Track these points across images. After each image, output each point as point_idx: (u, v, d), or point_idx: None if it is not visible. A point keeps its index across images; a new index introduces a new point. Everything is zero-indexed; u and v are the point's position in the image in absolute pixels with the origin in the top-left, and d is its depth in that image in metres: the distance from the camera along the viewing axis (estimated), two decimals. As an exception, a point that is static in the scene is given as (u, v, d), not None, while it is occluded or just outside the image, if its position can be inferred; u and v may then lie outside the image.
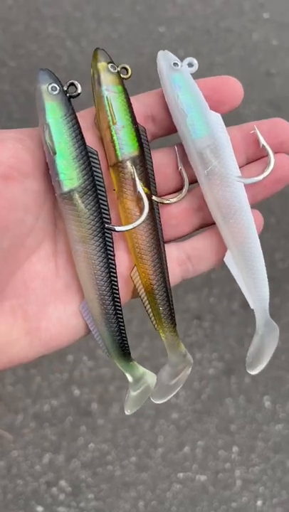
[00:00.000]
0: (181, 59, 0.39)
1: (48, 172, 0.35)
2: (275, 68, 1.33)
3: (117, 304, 0.37)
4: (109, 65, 0.37)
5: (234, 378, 0.99)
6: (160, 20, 1.36)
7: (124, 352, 0.38)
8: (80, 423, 0.96)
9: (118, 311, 0.37)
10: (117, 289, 0.37)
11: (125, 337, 0.38)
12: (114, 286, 0.37)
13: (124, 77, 0.38)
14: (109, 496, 0.92)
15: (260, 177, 0.39)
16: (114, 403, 0.97)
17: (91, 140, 0.37)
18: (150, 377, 0.40)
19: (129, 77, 0.39)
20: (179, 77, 0.38)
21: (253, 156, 0.41)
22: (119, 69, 0.38)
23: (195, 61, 0.40)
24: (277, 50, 1.35)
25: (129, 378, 0.40)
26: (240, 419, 0.97)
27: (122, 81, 0.38)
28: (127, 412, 0.40)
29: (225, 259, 0.40)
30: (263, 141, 0.39)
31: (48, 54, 1.30)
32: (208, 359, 1.01)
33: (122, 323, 0.38)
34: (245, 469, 0.94)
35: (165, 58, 0.39)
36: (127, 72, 0.38)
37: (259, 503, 0.92)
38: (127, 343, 0.38)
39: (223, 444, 0.95)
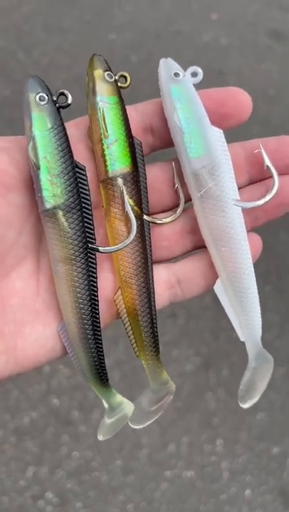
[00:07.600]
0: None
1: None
2: (227, 67, 1.36)
3: (96, 328, 0.36)
4: (106, 73, 0.35)
5: (212, 372, 1.00)
6: (110, 28, 1.38)
7: (101, 378, 0.37)
8: (61, 432, 0.95)
9: (97, 336, 0.36)
10: (98, 313, 0.36)
11: (103, 362, 0.37)
12: (94, 310, 0.35)
13: (123, 85, 0.36)
14: (98, 502, 0.91)
15: (261, 201, 0.35)
16: (95, 409, 0.96)
17: (83, 152, 0.35)
18: (127, 406, 0.38)
19: (128, 85, 0.36)
20: (178, 89, 0.35)
21: (257, 176, 0.37)
22: (116, 77, 0.35)
23: (199, 70, 0.36)
24: (227, 50, 1.39)
25: (105, 405, 0.38)
26: (222, 411, 0.98)
27: (118, 91, 0.35)
28: (100, 438, 0.39)
29: (215, 288, 0.37)
30: (267, 162, 0.35)
31: (1, 67, 1.30)
32: (185, 355, 1.01)
33: (100, 348, 0.36)
34: (231, 460, 0.95)
35: (166, 68, 0.36)
36: (126, 81, 0.36)
37: (247, 492, 0.93)
38: (105, 369, 0.37)
39: (207, 438, 0.96)
